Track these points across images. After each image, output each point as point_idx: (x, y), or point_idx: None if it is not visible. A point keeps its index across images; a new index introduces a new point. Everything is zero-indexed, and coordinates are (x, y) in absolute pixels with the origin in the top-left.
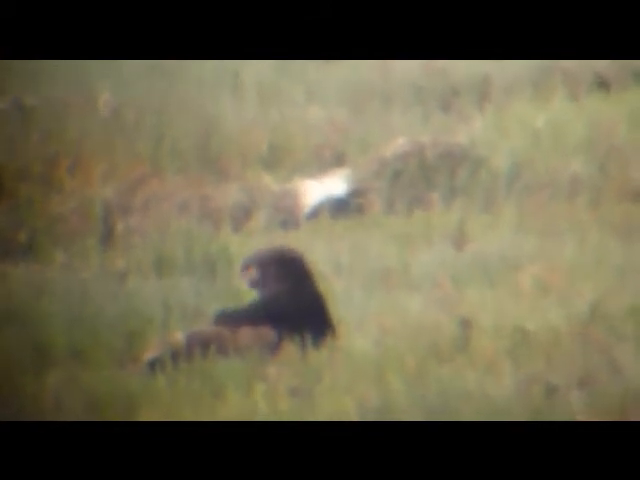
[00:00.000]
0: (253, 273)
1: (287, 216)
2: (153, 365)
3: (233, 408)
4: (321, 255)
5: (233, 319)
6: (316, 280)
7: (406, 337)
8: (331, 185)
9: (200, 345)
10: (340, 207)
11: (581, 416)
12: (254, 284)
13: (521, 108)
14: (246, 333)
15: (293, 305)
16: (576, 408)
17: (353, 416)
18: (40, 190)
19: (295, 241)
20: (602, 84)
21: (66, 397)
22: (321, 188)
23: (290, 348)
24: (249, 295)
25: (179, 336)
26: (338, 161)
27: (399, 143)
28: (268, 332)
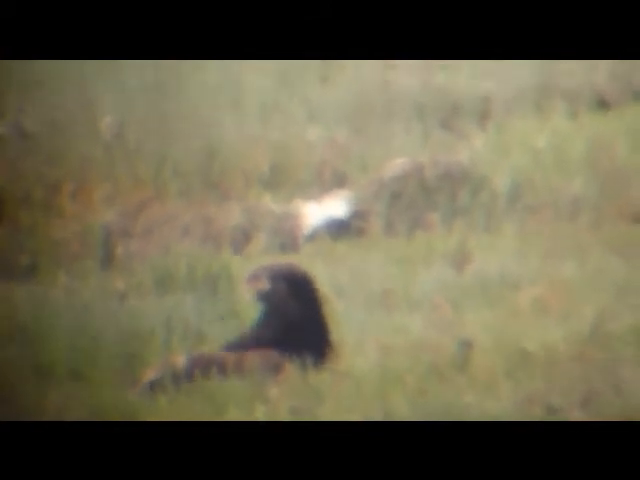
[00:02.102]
0: (262, 285)
1: (287, 238)
2: (153, 386)
3: None
4: (321, 276)
5: (242, 346)
6: (322, 302)
7: (406, 357)
8: (331, 206)
9: (202, 368)
10: (340, 229)
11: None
12: (262, 297)
13: (522, 127)
14: (249, 356)
15: (297, 325)
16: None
17: None
18: (42, 214)
19: (295, 262)
20: (602, 102)
21: (67, 417)
22: (321, 210)
23: (291, 369)
24: (249, 313)
25: (181, 358)
26: (339, 181)
27: (398, 163)
28: (271, 353)
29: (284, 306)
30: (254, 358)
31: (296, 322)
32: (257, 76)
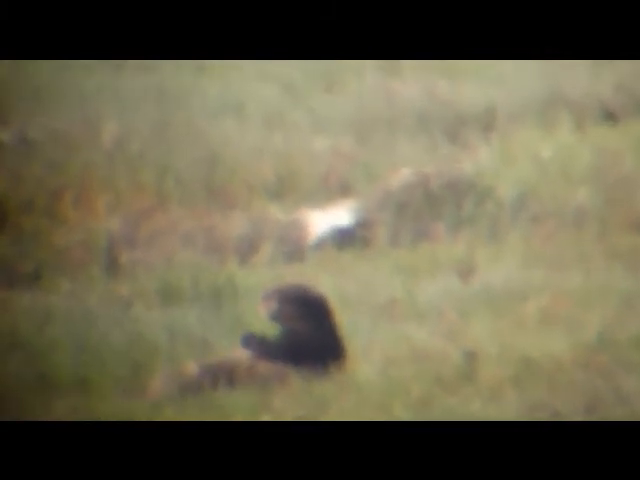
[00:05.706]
0: (273, 307)
1: (293, 247)
2: (161, 397)
3: None
4: (327, 286)
5: (260, 346)
6: (335, 320)
7: (412, 367)
8: (337, 216)
9: (211, 379)
10: (346, 238)
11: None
12: (274, 317)
13: (527, 137)
14: (258, 365)
15: (309, 345)
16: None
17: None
18: (45, 222)
19: (301, 272)
20: (608, 114)
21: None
22: (327, 219)
23: (297, 379)
24: (255, 325)
25: (190, 368)
26: (344, 191)
27: (404, 173)
28: (279, 365)
29: (295, 328)
30: (262, 367)
31: (308, 343)
32: (261, 85)
